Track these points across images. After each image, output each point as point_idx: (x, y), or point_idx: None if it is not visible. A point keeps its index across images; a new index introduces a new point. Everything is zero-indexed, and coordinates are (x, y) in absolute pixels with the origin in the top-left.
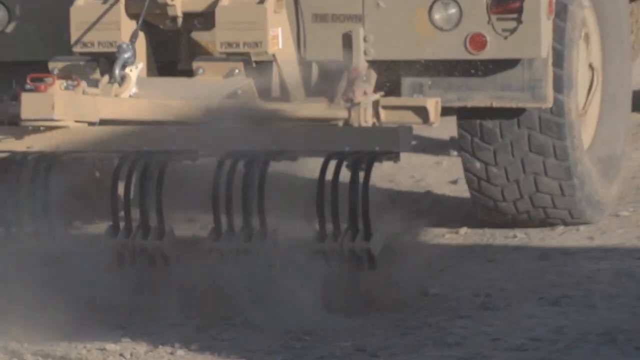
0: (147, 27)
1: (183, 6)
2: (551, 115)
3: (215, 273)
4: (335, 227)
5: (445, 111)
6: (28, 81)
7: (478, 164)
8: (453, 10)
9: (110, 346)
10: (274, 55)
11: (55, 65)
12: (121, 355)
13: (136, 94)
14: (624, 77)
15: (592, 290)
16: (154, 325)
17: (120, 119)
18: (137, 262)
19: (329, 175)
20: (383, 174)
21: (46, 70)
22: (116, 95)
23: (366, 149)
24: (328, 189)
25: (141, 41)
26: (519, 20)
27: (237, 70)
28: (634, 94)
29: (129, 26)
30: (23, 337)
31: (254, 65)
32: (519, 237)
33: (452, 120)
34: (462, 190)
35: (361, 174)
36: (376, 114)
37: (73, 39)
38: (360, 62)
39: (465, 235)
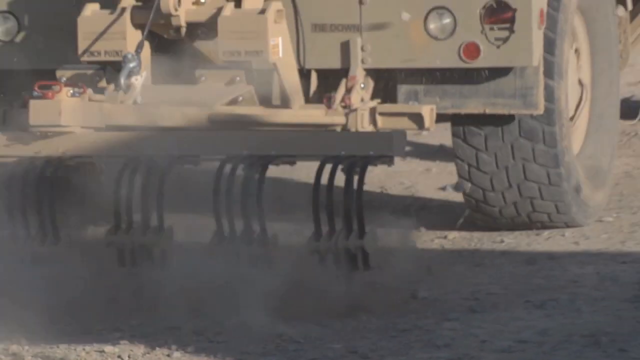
0: (152, 36)
1: (187, 16)
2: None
3: (213, 275)
4: (330, 228)
5: (440, 118)
6: (36, 88)
7: (469, 151)
8: (447, 20)
9: (108, 348)
10: (274, 64)
11: (62, 74)
12: (119, 357)
13: (141, 102)
14: (612, 96)
15: (577, 294)
16: (151, 328)
17: (125, 125)
18: (137, 261)
19: (324, 178)
20: (373, 181)
21: (54, 79)
22: (121, 102)
23: (361, 154)
24: (324, 191)
25: (146, 50)
26: (511, 30)
27: (238, 78)
28: (621, 102)
29: (134, 36)
30: (24, 339)
31: (255, 73)
32: (506, 242)
33: (440, 129)
34: (450, 197)
35: (356, 177)
36: (373, 120)
37: (80, 48)
38: (358, 70)
39: (453, 241)
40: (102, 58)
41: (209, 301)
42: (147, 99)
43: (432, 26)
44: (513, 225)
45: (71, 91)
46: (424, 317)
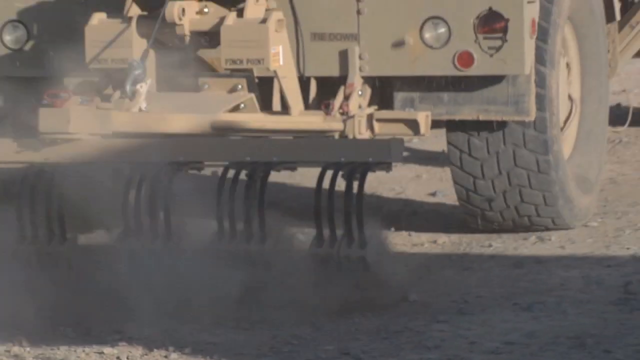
0: (156, 45)
1: (190, 26)
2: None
3: (212, 277)
4: (331, 234)
5: (435, 124)
6: (45, 96)
7: (461, 137)
8: (442, 30)
9: (107, 350)
10: (275, 72)
11: (70, 81)
12: (118, 358)
13: (146, 109)
14: (602, 114)
15: (563, 297)
16: (149, 330)
17: (132, 132)
18: (148, 263)
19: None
20: (365, 187)
21: (62, 86)
22: (127, 110)
23: (360, 160)
24: (325, 197)
25: (150, 58)
26: (503, 39)
27: (240, 86)
28: (610, 109)
29: (139, 44)
30: (25, 341)
31: (256, 80)
32: (494, 246)
33: (433, 135)
34: (440, 203)
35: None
36: (370, 127)
37: (87, 56)
38: (356, 78)
39: (443, 245)
40: (109, 65)
41: (206, 303)
42: (152, 106)
43: (427, 35)
44: (502, 219)
45: (80, 99)
46: (414, 319)
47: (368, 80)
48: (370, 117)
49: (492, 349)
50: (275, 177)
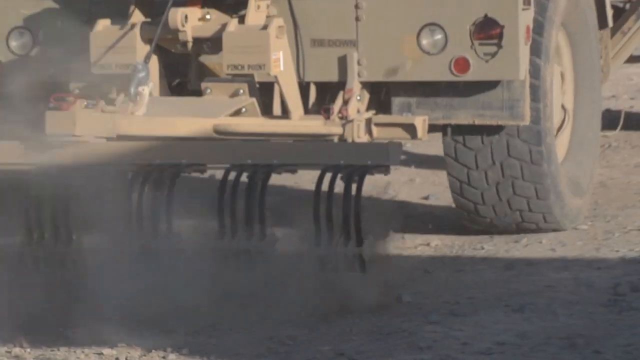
0: (160, 50)
1: (193, 32)
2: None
3: (211, 278)
4: (330, 234)
5: (432, 128)
6: (52, 100)
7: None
8: (439, 36)
9: (107, 351)
10: (275, 77)
11: (76, 86)
12: (117, 359)
13: (148, 112)
14: (593, 130)
15: (553, 298)
16: (147, 331)
17: (136, 135)
18: (151, 263)
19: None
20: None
21: (67, 90)
22: (132, 113)
23: (359, 163)
24: (324, 199)
25: (154, 64)
26: (499, 45)
27: (242, 91)
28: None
29: (143, 50)
30: (26, 342)
31: (257, 85)
32: (486, 248)
33: (427, 139)
34: (433, 206)
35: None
36: (369, 131)
37: (92, 61)
38: (354, 83)
39: (435, 248)
40: (113, 70)
41: (204, 304)
42: (156, 110)
43: (424, 42)
44: (494, 213)
45: (85, 103)
46: (408, 320)
47: (366, 85)
48: (368, 122)
49: (484, 349)
50: (275, 179)
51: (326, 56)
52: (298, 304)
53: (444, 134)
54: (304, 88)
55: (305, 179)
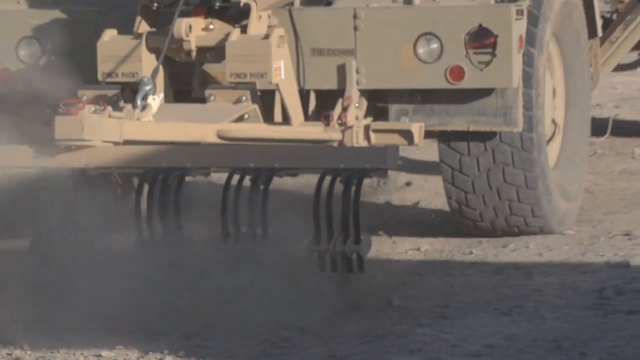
0: (165, 59)
1: (197, 41)
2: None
3: (210, 278)
4: (329, 233)
5: (428, 134)
6: (61, 106)
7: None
8: (435, 45)
9: (105, 353)
10: (277, 85)
11: (84, 93)
12: None
13: (155, 119)
14: (584, 131)
15: (541, 302)
16: (144, 334)
17: (142, 140)
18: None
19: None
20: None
21: (76, 97)
22: (138, 119)
23: (358, 167)
24: (323, 201)
25: (159, 73)
26: (493, 54)
27: (244, 98)
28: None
29: (149, 59)
30: (26, 344)
31: (259, 93)
32: (475, 253)
33: (420, 145)
34: (424, 212)
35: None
36: (367, 137)
37: (100, 70)
38: (353, 90)
39: (426, 252)
40: (120, 79)
41: (201, 306)
42: (162, 116)
43: (421, 51)
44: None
45: (93, 108)
46: (398, 323)
47: (364, 92)
48: (367, 128)
49: (473, 351)
50: (276, 182)
51: (326, 65)
52: (293, 306)
53: (440, 141)
54: (304, 95)
55: (304, 182)
